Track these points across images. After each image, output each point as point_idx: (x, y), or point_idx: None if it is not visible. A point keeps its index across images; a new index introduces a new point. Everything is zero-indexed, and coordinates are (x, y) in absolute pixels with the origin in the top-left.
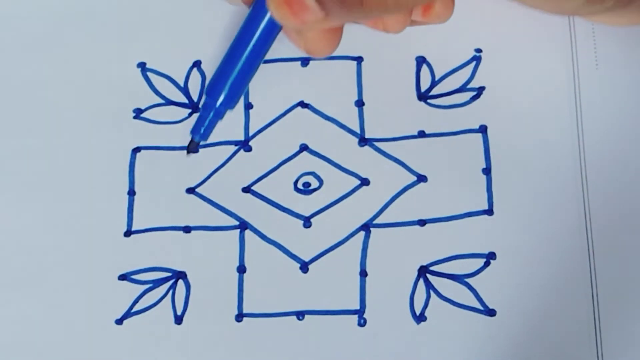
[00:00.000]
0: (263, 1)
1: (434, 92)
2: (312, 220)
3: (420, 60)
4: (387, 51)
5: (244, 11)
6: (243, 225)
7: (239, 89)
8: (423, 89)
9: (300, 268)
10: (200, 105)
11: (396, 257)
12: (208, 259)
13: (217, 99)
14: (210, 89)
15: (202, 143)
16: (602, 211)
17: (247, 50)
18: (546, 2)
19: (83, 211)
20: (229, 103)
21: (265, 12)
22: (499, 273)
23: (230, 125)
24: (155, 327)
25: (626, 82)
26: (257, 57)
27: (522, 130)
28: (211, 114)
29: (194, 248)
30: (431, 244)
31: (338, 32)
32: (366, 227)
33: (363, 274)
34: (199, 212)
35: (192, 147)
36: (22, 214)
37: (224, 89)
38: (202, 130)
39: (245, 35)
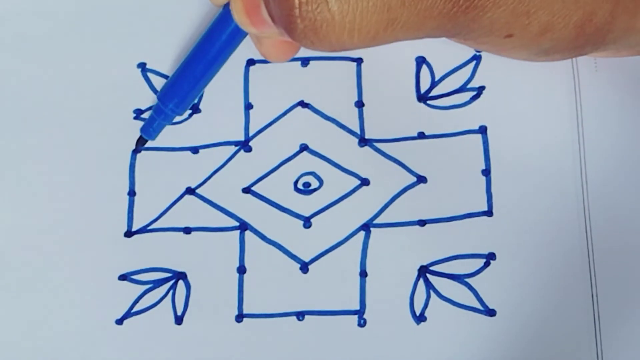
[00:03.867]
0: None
1: (433, 92)
2: (312, 220)
3: (420, 61)
4: (386, 52)
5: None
6: (243, 226)
7: (191, 97)
8: (423, 89)
9: (300, 268)
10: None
11: (396, 257)
12: (208, 260)
13: (168, 105)
14: (163, 95)
15: (202, 144)
16: (602, 211)
17: (207, 57)
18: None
19: (83, 211)
20: (178, 110)
21: (230, 18)
22: (499, 273)
23: (230, 126)
24: (156, 327)
25: (625, 83)
26: (215, 65)
27: (522, 131)
28: (161, 117)
29: (194, 249)
30: (431, 244)
31: (295, 45)
32: (366, 227)
33: (363, 274)
34: (199, 213)
35: (139, 145)
36: (22, 213)
37: (175, 96)
38: (151, 130)
39: (209, 40)
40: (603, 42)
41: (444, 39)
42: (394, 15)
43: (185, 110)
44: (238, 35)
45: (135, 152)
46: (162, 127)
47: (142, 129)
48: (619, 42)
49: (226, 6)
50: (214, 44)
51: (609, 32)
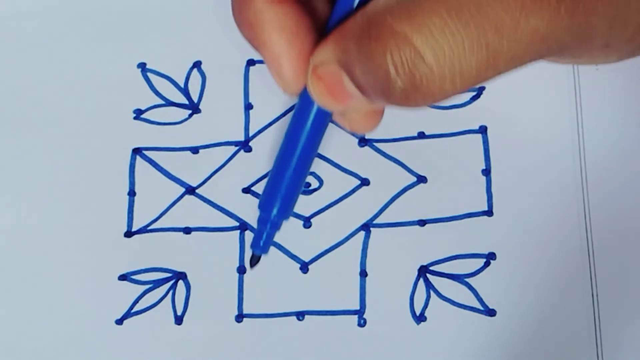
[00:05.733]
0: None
1: None
2: (312, 220)
3: None
4: None
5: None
6: (243, 226)
7: (292, 199)
8: None
9: (300, 268)
10: (257, 220)
11: (396, 257)
12: (208, 260)
13: (271, 212)
14: (264, 204)
15: (202, 144)
16: (602, 211)
17: (298, 152)
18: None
19: (83, 212)
20: (284, 215)
21: (311, 104)
22: (499, 273)
23: (230, 126)
24: (156, 327)
25: (625, 83)
26: (308, 158)
27: (522, 131)
28: (268, 227)
29: (194, 249)
30: (431, 244)
31: (380, 111)
32: (366, 227)
33: (363, 274)
34: (199, 213)
35: (253, 261)
36: (22, 214)
37: (277, 202)
38: (261, 244)
39: (295, 133)
40: None
41: None
42: (493, 51)
43: (290, 214)
44: (324, 117)
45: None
46: (272, 237)
47: (253, 245)
48: None
49: (304, 94)
50: (302, 135)
51: None
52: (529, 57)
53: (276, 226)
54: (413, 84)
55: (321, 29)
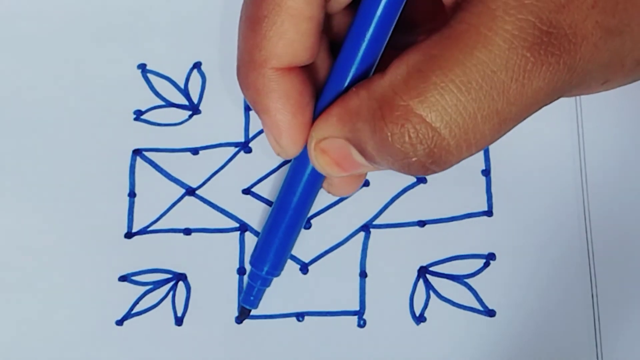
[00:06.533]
0: (304, 158)
1: None
2: (312, 221)
3: None
4: None
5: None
6: (243, 227)
7: (283, 258)
8: None
9: (300, 269)
10: (247, 275)
11: (396, 257)
12: (208, 261)
13: (262, 270)
14: (255, 260)
15: (202, 145)
16: (602, 211)
17: (289, 214)
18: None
19: (83, 212)
20: (274, 272)
21: (305, 165)
22: (499, 273)
23: (230, 127)
24: (156, 328)
25: None
26: (300, 221)
27: (522, 131)
28: (258, 283)
29: (194, 250)
30: (431, 245)
31: (362, 175)
32: (366, 228)
33: (363, 274)
34: (199, 214)
35: (243, 316)
36: (22, 214)
37: (268, 260)
38: (251, 299)
39: (289, 193)
40: None
41: None
42: (504, 117)
43: (281, 271)
44: (316, 180)
45: (239, 322)
46: (262, 292)
47: (243, 300)
48: None
49: (300, 157)
50: (294, 196)
51: None
52: (533, 112)
53: (266, 283)
54: (432, 159)
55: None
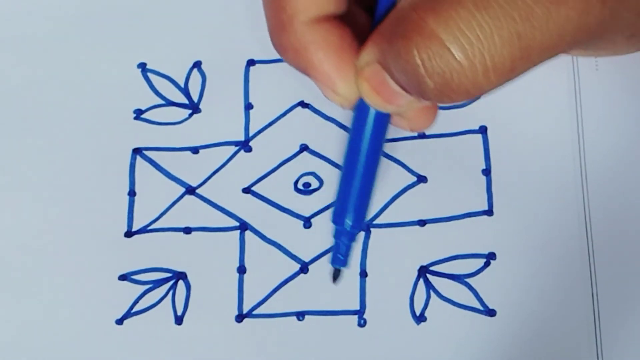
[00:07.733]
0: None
1: None
2: (312, 220)
3: None
4: None
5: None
6: (243, 226)
7: (364, 208)
8: None
9: (301, 268)
10: (332, 235)
11: (396, 257)
12: (208, 260)
13: (347, 224)
14: (337, 217)
15: (202, 144)
16: (602, 211)
17: (362, 162)
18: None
19: (83, 211)
20: (359, 224)
21: (367, 110)
22: (499, 273)
23: (230, 126)
24: (156, 327)
25: (626, 82)
26: (374, 166)
27: (522, 131)
28: (345, 240)
29: (194, 249)
30: (431, 244)
31: (434, 105)
32: (366, 228)
33: (363, 274)
34: (199, 213)
35: (336, 276)
36: (22, 214)
37: (350, 213)
38: (340, 258)
39: (357, 141)
40: None
41: None
42: (526, 42)
43: (364, 224)
44: (382, 121)
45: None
46: (350, 248)
47: (333, 261)
48: None
49: (359, 104)
50: (363, 143)
51: None
52: (560, 48)
53: (353, 237)
54: (445, 81)
55: (365, 39)
